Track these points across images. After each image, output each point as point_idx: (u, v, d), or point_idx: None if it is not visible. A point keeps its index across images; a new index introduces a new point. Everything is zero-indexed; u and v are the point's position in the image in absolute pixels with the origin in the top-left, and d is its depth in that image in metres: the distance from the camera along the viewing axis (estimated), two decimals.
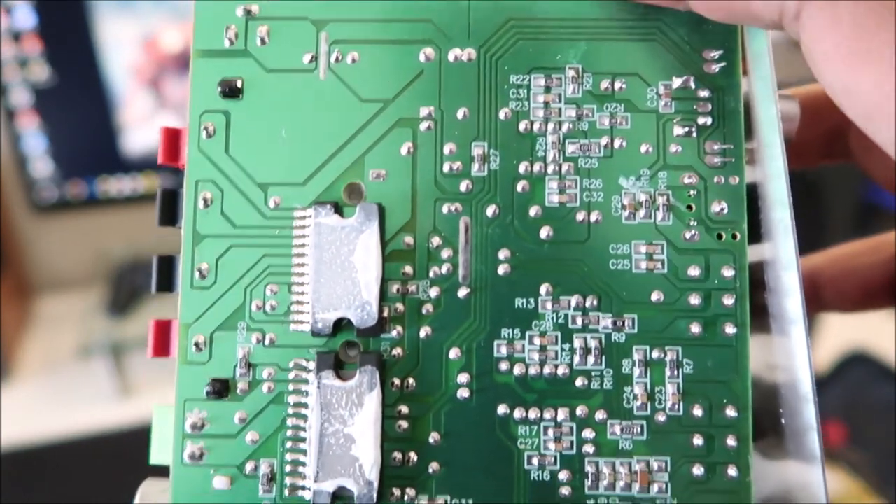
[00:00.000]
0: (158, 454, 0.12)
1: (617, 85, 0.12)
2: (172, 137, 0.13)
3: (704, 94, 0.12)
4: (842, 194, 0.46)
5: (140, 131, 0.60)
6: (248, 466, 0.11)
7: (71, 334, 0.64)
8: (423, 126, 0.12)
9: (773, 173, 0.11)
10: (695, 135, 0.11)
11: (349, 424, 0.11)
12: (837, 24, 0.09)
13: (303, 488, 0.11)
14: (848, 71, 0.09)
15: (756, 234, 0.12)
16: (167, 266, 0.13)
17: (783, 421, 0.11)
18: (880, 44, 0.08)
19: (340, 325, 0.11)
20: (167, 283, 0.13)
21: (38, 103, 0.56)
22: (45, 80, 0.56)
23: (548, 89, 0.12)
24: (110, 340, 0.59)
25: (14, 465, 0.52)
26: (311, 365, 0.11)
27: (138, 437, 0.52)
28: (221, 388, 0.11)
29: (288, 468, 0.11)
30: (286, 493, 0.11)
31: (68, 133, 0.58)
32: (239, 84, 0.12)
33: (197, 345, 0.12)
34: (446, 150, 0.12)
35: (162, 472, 0.12)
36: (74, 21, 0.54)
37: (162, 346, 0.12)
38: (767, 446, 0.12)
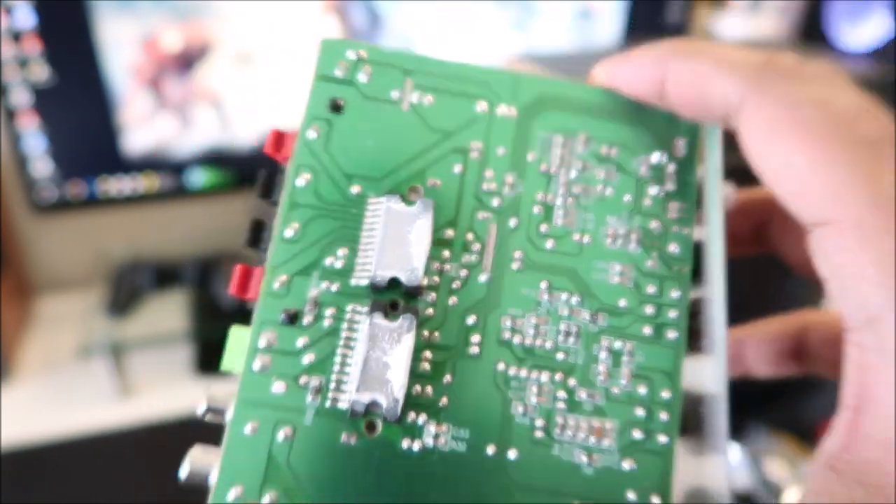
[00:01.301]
0: (229, 363, 0.15)
1: (612, 151, 0.16)
2: (279, 136, 0.16)
3: (671, 168, 0.16)
4: None
5: (140, 131, 0.60)
6: (302, 379, 0.15)
7: (71, 334, 0.64)
8: (473, 155, 0.16)
9: (713, 233, 0.16)
10: (662, 195, 0.16)
11: (388, 354, 0.14)
12: (760, 115, 0.13)
13: (341, 400, 0.14)
14: (764, 148, 0.13)
15: (698, 277, 0.16)
16: (258, 227, 0.16)
17: (704, 420, 0.15)
18: (786, 128, 0.13)
19: (392, 285, 0.15)
20: (255, 240, 0.16)
21: (37, 103, 0.56)
22: (45, 80, 0.56)
23: (564, 145, 0.16)
24: (110, 340, 0.59)
25: (14, 465, 0.52)
26: (365, 309, 0.15)
27: (138, 437, 0.52)
28: (293, 317, 0.15)
29: (332, 385, 0.15)
30: (328, 403, 0.15)
31: (68, 133, 0.58)
32: (342, 103, 0.16)
33: (280, 283, 0.15)
34: (486, 174, 0.16)
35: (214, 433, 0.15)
36: (74, 21, 0.54)
37: (242, 287, 0.15)
38: (692, 443, 0.16)
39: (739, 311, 0.20)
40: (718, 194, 0.16)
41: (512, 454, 0.15)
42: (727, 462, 0.15)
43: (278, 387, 0.14)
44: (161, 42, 0.57)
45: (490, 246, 0.16)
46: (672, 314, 0.16)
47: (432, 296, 0.15)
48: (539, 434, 0.15)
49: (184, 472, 0.14)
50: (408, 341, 0.14)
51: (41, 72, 0.55)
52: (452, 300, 0.15)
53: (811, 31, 0.76)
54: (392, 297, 0.15)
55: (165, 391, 0.60)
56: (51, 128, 0.58)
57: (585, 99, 0.16)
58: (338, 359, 0.15)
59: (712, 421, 0.15)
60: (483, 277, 0.15)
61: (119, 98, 0.58)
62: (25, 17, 0.53)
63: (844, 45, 0.71)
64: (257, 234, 0.16)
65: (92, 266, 0.71)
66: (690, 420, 0.15)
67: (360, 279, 0.15)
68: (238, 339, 0.15)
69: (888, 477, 0.11)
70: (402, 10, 0.61)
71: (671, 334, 0.15)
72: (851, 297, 0.12)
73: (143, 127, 0.60)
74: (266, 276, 0.15)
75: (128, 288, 0.65)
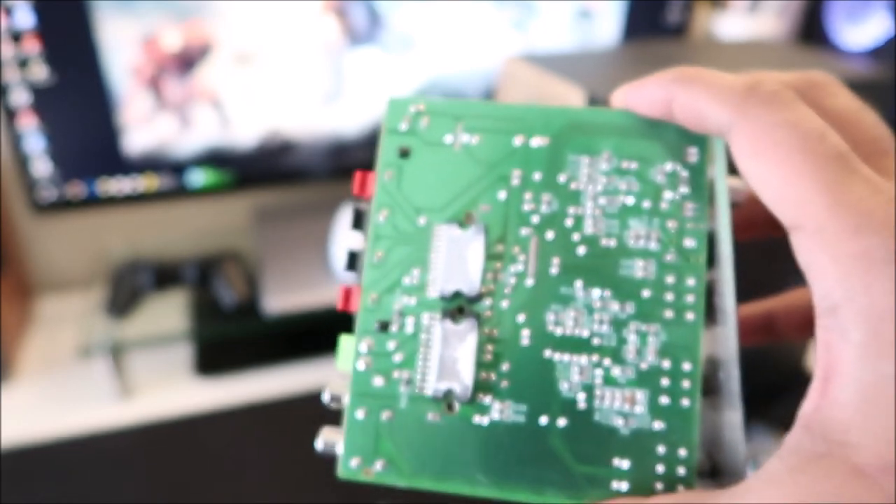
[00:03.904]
0: (342, 364, 0.19)
1: (632, 165, 0.19)
2: (363, 177, 0.20)
3: (685, 174, 0.19)
4: None
5: (140, 131, 0.60)
6: (395, 374, 0.19)
7: (71, 334, 0.64)
8: (514, 181, 0.19)
9: (722, 224, 0.18)
10: (678, 198, 0.19)
11: (457, 350, 0.18)
12: (744, 137, 0.16)
13: (426, 388, 0.18)
14: (748, 164, 0.16)
15: (712, 261, 0.19)
16: (353, 257, 0.20)
17: (721, 382, 0.18)
18: (765, 148, 0.15)
19: (456, 295, 0.19)
20: (353, 265, 0.20)
21: (37, 104, 0.56)
22: (44, 80, 0.56)
23: (590, 164, 0.19)
24: (110, 341, 0.59)
25: (14, 465, 0.52)
26: (438, 316, 0.19)
27: (138, 437, 0.52)
28: (384, 326, 0.19)
29: (418, 377, 0.19)
30: (416, 391, 0.18)
31: (68, 134, 0.58)
32: (408, 150, 0.20)
33: (372, 300, 0.19)
34: (526, 196, 0.19)
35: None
36: (74, 21, 0.54)
37: (346, 303, 0.19)
38: (711, 402, 0.18)
39: (760, 290, 0.23)
40: (725, 194, 0.18)
41: (561, 422, 0.18)
42: (741, 416, 0.17)
43: (378, 381, 0.19)
44: (161, 42, 0.57)
45: (533, 256, 0.19)
46: (689, 299, 0.18)
47: (489, 300, 0.19)
48: (582, 405, 0.18)
49: (319, 446, 0.19)
50: (472, 339, 0.18)
51: (41, 72, 0.55)
52: (506, 303, 0.19)
53: (811, 31, 0.76)
54: (458, 304, 0.19)
55: (165, 391, 0.60)
56: (50, 128, 0.58)
57: (606, 121, 0.19)
58: (420, 356, 0.19)
59: (728, 382, 0.18)
60: (529, 282, 0.19)
61: (119, 98, 0.58)
62: (25, 17, 0.53)
63: (844, 45, 0.71)
64: (353, 261, 0.20)
65: (92, 266, 0.71)
66: (712, 383, 0.18)
67: (431, 292, 0.19)
68: (346, 345, 0.19)
69: (846, 433, 0.14)
70: (402, 10, 0.61)
71: (689, 315, 0.18)
72: (818, 289, 0.15)
73: (143, 127, 0.60)
74: (362, 295, 0.19)
75: (128, 288, 0.65)
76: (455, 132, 0.20)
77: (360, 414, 0.18)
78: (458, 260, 0.19)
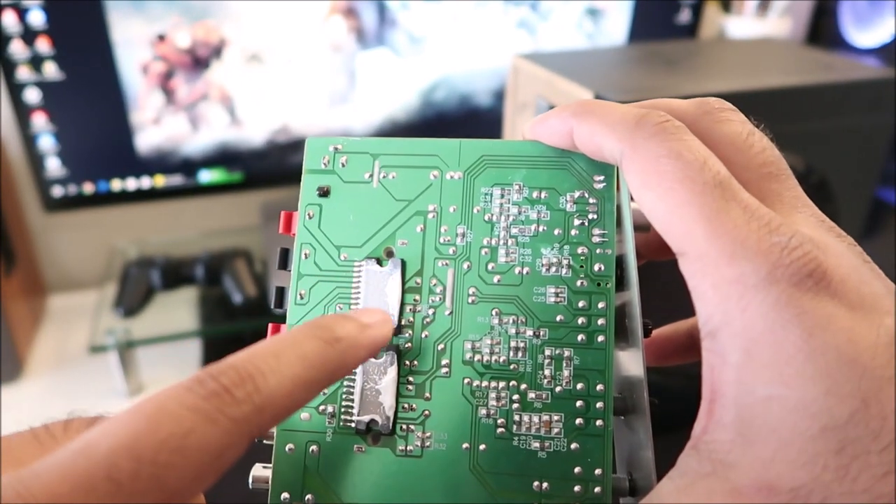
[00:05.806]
0: None
1: (542, 194, 0.20)
2: (288, 217, 0.21)
3: (593, 201, 0.19)
4: (853, 191, 0.46)
5: (152, 131, 0.60)
6: (321, 408, 0.19)
7: (82, 331, 0.64)
8: (430, 215, 0.20)
9: (629, 250, 0.19)
10: (586, 224, 0.19)
11: (378, 383, 0.19)
12: (633, 168, 0.16)
13: (350, 421, 0.19)
14: (639, 193, 0.16)
15: (621, 284, 0.19)
16: (280, 292, 0.20)
17: (636, 401, 0.18)
18: (651, 178, 0.16)
19: None
20: (280, 302, 0.20)
21: (49, 103, 0.57)
22: (56, 79, 0.56)
23: (502, 195, 0.20)
24: (121, 338, 0.59)
25: None
26: None
27: None
28: None
29: (342, 410, 0.19)
30: (341, 423, 0.19)
31: (80, 132, 0.59)
32: (328, 189, 0.20)
33: None
34: (442, 229, 0.20)
35: None
36: (87, 21, 0.55)
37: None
38: (628, 422, 0.19)
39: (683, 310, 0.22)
40: (630, 219, 0.19)
41: (482, 448, 0.18)
42: (650, 434, 0.17)
43: (305, 416, 0.19)
44: (173, 42, 0.57)
45: (450, 287, 0.19)
46: (600, 321, 0.19)
47: (409, 332, 0.19)
48: (501, 430, 0.18)
49: (251, 483, 0.19)
50: (392, 372, 0.19)
51: (52, 71, 0.56)
52: (425, 334, 0.19)
53: (821, 31, 0.76)
54: None
55: None
56: (62, 127, 0.58)
57: (517, 153, 0.20)
58: (344, 390, 0.19)
59: (638, 400, 0.18)
60: (447, 313, 0.19)
61: (131, 97, 0.58)
62: (38, 17, 0.54)
63: (853, 44, 0.71)
64: (280, 297, 0.20)
65: (103, 264, 0.71)
66: (629, 402, 0.19)
67: None
68: None
69: (728, 454, 0.14)
70: (411, 10, 0.61)
71: (600, 338, 0.19)
72: (700, 313, 0.15)
73: (154, 127, 0.60)
74: None
75: (138, 285, 0.65)
76: (373, 169, 0.20)
77: (287, 449, 0.19)
78: (377, 295, 0.19)
